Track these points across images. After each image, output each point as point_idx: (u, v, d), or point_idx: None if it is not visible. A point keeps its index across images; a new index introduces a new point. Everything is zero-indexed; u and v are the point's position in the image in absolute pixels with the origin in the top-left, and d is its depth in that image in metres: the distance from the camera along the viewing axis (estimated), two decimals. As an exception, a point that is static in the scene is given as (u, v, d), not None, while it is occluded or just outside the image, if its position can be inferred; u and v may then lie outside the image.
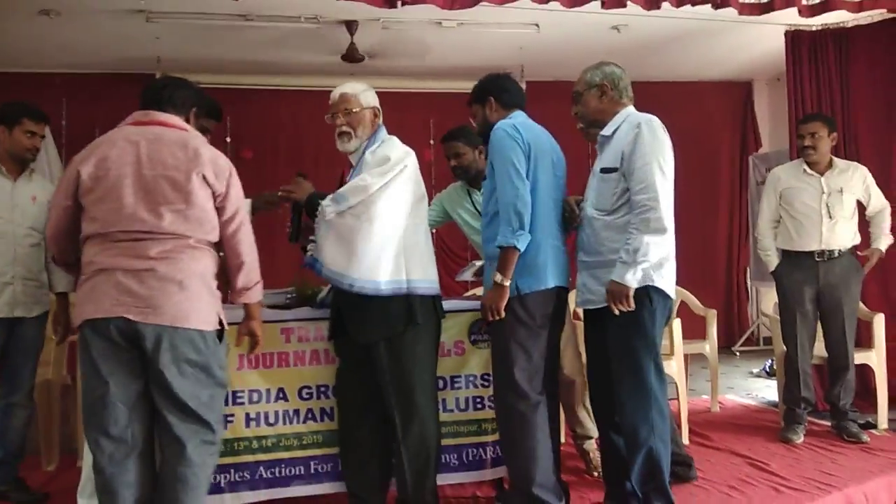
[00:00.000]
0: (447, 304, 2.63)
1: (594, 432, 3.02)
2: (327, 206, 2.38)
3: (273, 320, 2.62)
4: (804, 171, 3.53)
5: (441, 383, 2.67)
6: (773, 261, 3.61)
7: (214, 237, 2.15)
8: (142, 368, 2.07)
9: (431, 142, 6.01)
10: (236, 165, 4.97)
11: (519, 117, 2.55)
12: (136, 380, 2.07)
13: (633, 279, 2.29)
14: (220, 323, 2.15)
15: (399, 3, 3.32)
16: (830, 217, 3.43)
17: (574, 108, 2.57)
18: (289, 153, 5.89)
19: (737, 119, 6.79)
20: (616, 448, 2.51)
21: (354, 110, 2.48)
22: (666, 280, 2.39)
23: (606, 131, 2.47)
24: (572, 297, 2.64)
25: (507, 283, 2.37)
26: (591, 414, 3.01)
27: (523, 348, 2.43)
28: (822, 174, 3.51)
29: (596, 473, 2.97)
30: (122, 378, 2.05)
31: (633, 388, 2.37)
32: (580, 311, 2.63)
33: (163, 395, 2.06)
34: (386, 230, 2.37)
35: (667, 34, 5.19)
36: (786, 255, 3.57)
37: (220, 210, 2.15)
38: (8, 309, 2.83)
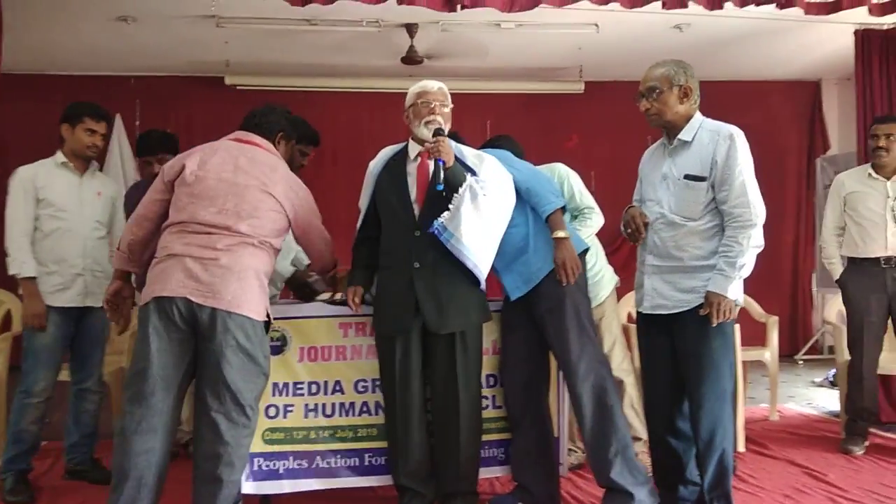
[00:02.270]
0: (495, 304, 2.71)
1: (642, 433, 3.02)
2: (479, 188, 2.50)
3: (331, 315, 2.72)
4: (869, 175, 3.44)
5: (491, 380, 2.74)
6: (837, 269, 3.53)
7: (277, 243, 2.45)
8: (191, 350, 2.30)
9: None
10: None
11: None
12: (181, 360, 2.30)
13: (734, 291, 2.34)
14: (268, 316, 2.38)
15: (459, 7, 3.37)
16: None
17: (644, 103, 2.49)
18: (347, 154, 6.02)
19: (804, 120, 6.58)
20: (673, 453, 2.51)
21: (447, 106, 2.64)
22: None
23: (685, 136, 2.45)
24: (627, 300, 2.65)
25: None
26: (640, 416, 3.03)
27: (590, 317, 2.64)
28: (888, 178, 3.41)
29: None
30: (167, 356, 2.27)
31: (712, 392, 2.38)
32: (632, 314, 2.65)
33: (209, 374, 2.28)
34: (502, 233, 2.56)
35: (731, 33, 5.08)
36: (851, 262, 3.47)
37: (291, 225, 2.51)
38: (80, 299, 3.01)
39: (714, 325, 2.35)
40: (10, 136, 5.39)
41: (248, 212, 2.35)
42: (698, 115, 2.48)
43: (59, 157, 3.04)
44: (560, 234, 2.54)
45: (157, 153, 3.25)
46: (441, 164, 2.46)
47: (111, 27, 4.72)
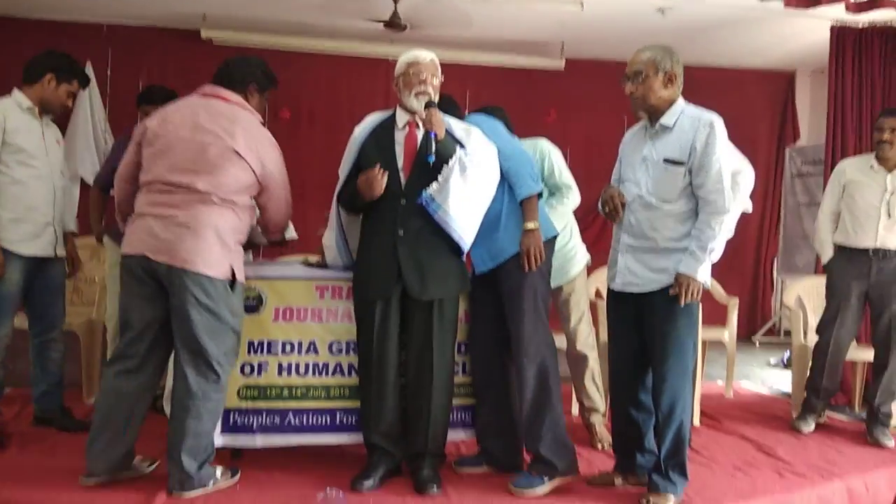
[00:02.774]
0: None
1: (601, 406, 3.15)
2: (468, 161, 2.53)
3: (308, 277, 2.75)
4: (871, 166, 3.49)
5: (462, 347, 2.82)
6: (827, 253, 3.60)
7: (242, 200, 2.45)
8: (161, 302, 2.40)
9: (466, 112, 6.05)
10: (274, 125, 5.14)
11: (473, 116, 2.85)
12: (153, 310, 2.40)
13: (703, 274, 2.43)
14: (233, 274, 2.41)
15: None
16: (889, 216, 3.41)
17: (629, 86, 2.53)
18: (325, 116, 5.97)
19: (777, 109, 6.71)
20: (633, 423, 2.62)
21: (437, 78, 2.65)
22: None
23: (667, 121, 2.51)
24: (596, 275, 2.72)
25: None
26: (600, 389, 3.15)
27: (546, 302, 2.70)
28: (889, 171, 3.45)
29: (600, 446, 3.10)
30: (139, 308, 2.41)
31: (675, 368, 2.48)
32: (600, 290, 2.73)
33: (177, 328, 2.38)
34: (487, 205, 2.61)
35: (712, 19, 5.14)
36: (840, 249, 3.55)
37: (258, 181, 2.46)
38: (49, 248, 2.96)
39: (682, 304, 2.44)
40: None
41: (207, 168, 2.36)
42: (681, 101, 2.54)
43: (24, 100, 2.92)
44: (529, 224, 2.59)
45: (158, 105, 3.16)
46: (433, 136, 2.48)
47: (86, -29, 4.58)
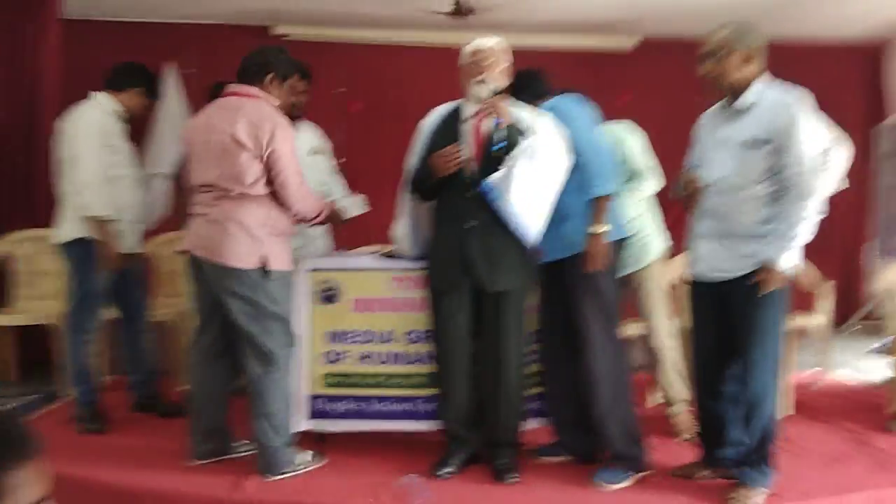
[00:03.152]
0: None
1: (684, 395, 3.07)
2: (535, 149, 2.49)
3: (385, 268, 2.80)
4: None
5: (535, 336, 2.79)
6: None
7: (261, 190, 2.48)
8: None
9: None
10: (345, 118, 5.20)
11: (559, 97, 2.71)
12: (212, 300, 2.56)
13: (789, 260, 2.33)
14: (266, 263, 2.47)
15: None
16: None
17: (705, 66, 2.43)
18: (395, 106, 5.99)
19: (865, 85, 6.32)
20: (718, 415, 2.55)
21: (503, 63, 2.62)
22: None
23: (746, 101, 2.40)
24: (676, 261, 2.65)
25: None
26: (682, 378, 3.06)
27: (615, 300, 2.62)
28: None
29: (684, 437, 3.02)
30: (202, 298, 2.61)
31: (761, 359, 2.39)
32: (684, 276, 2.65)
33: (226, 317, 2.54)
34: (555, 195, 2.55)
35: (795, -10, 4.89)
36: None
37: (265, 167, 2.47)
38: (136, 244, 3.13)
39: (766, 293, 2.34)
40: (74, 79, 5.49)
41: (221, 165, 2.46)
42: (762, 79, 2.42)
43: (113, 104, 3.08)
44: (594, 228, 2.51)
45: None
46: (498, 122, 2.46)
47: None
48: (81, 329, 3.02)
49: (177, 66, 5.65)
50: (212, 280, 2.51)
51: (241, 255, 2.46)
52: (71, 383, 3.09)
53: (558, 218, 2.59)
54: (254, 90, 2.53)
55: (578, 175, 2.58)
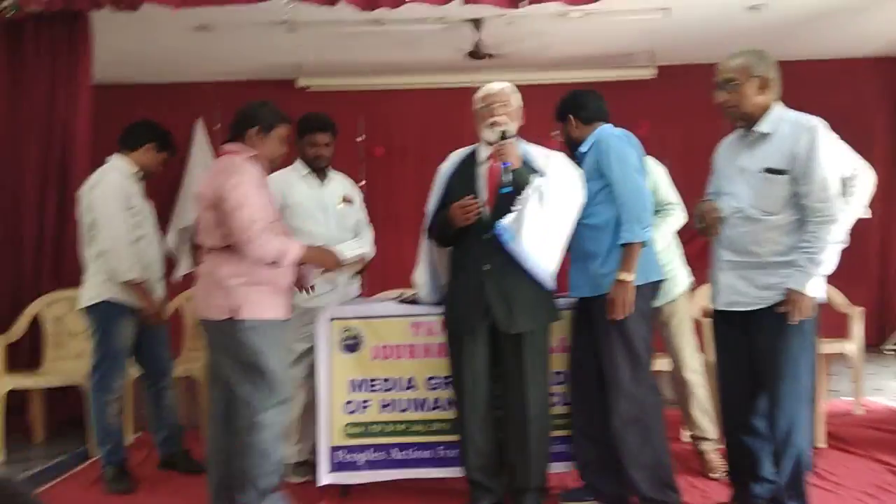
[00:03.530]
0: (564, 302, 2.73)
1: (711, 433, 3.00)
2: (546, 189, 2.50)
3: (403, 314, 2.81)
4: None
5: (562, 377, 2.77)
6: None
7: (226, 241, 2.46)
8: None
9: (555, 132, 6.00)
10: (369, 163, 5.28)
11: (608, 130, 2.65)
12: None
13: (813, 288, 2.29)
14: (235, 313, 2.45)
15: (523, 3, 3.36)
16: None
17: (721, 94, 2.43)
18: (417, 149, 6.09)
19: (892, 97, 6.21)
20: (747, 450, 2.48)
21: (512, 105, 2.65)
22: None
23: (765, 128, 2.39)
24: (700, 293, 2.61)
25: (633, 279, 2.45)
26: (709, 415, 3.00)
27: (646, 342, 2.52)
28: None
29: (714, 475, 2.94)
30: (208, 352, 2.65)
31: (790, 391, 2.34)
32: (706, 309, 2.61)
33: None
34: (568, 233, 2.57)
35: (810, 11, 4.84)
36: None
37: (219, 216, 2.46)
38: (162, 301, 3.19)
39: (793, 323, 2.29)
40: (104, 144, 5.71)
41: (201, 223, 2.54)
42: (778, 106, 2.41)
43: (130, 166, 3.17)
44: (622, 275, 2.46)
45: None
46: (506, 166, 2.48)
47: (191, 36, 4.93)
48: (105, 389, 3.07)
49: (203, 123, 5.88)
50: (204, 334, 2.61)
51: (212, 308, 2.48)
52: (97, 443, 3.14)
53: (586, 255, 2.57)
54: (234, 146, 2.56)
55: (611, 214, 2.53)
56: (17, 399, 3.85)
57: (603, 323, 2.50)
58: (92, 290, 3.08)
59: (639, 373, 2.51)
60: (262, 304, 2.47)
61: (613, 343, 2.50)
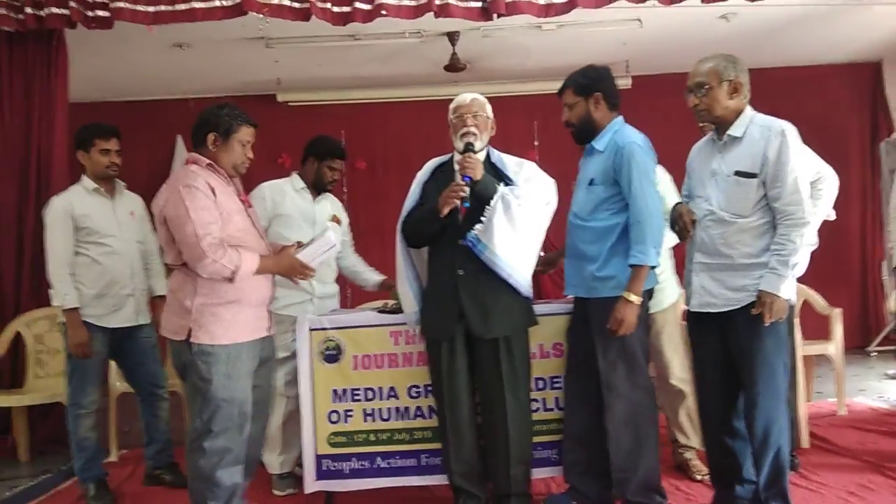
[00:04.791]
0: (544, 308, 2.76)
1: (695, 443, 3.02)
2: (512, 195, 2.51)
3: (382, 324, 2.82)
4: None
5: (541, 383, 2.77)
6: None
7: (181, 259, 2.36)
8: None
9: (536, 143, 6.06)
10: (351, 176, 5.27)
11: (625, 125, 2.59)
12: None
13: (786, 290, 2.31)
14: (189, 335, 2.33)
15: (495, 16, 3.41)
16: None
17: (693, 99, 2.43)
18: (398, 161, 6.13)
19: (865, 102, 6.32)
20: (728, 452, 2.50)
21: (482, 115, 2.66)
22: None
23: (735, 132, 2.41)
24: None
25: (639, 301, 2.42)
26: (694, 424, 3.01)
27: (643, 343, 2.53)
28: None
29: (699, 477, 2.95)
30: None
31: (766, 390, 2.36)
32: (680, 310, 2.62)
33: None
34: (541, 238, 2.59)
35: (781, 19, 4.94)
36: None
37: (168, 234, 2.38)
38: (133, 317, 3.14)
39: (766, 324, 2.32)
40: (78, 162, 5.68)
41: (160, 242, 2.49)
42: (749, 110, 2.44)
43: (89, 183, 3.10)
44: (630, 297, 2.40)
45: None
46: (467, 180, 2.51)
47: (168, 53, 4.95)
48: (76, 403, 3.04)
49: (183, 140, 5.87)
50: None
51: (170, 326, 2.40)
52: (73, 458, 3.11)
53: (583, 256, 2.54)
54: (191, 156, 2.43)
55: (616, 221, 2.48)
56: (2, 419, 3.84)
57: (598, 325, 2.49)
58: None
59: (634, 375, 2.50)
60: (218, 327, 2.34)
61: (610, 344, 2.49)
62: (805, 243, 2.33)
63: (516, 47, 5.31)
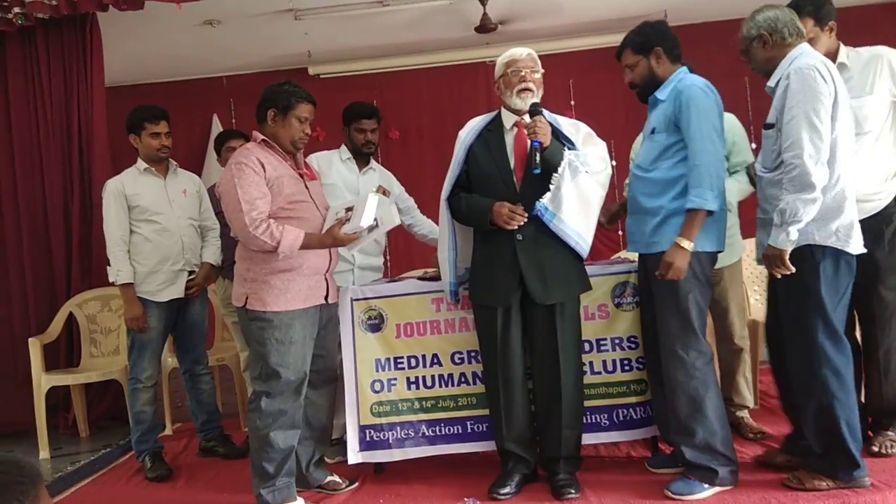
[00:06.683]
0: (589, 269, 2.69)
1: (750, 402, 2.97)
2: (580, 163, 2.48)
3: (423, 291, 2.81)
4: None
5: (587, 346, 2.73)
6: None
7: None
8: None
9: (572, 102, 5.92)
10: (384, 146, 5.24)
11: (689, 74, 2.47)
12: None
13: (786, 241, 2.22)
14: (245, 302, 2.50)
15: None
16: None
17: (744, 59, 2.46)
18: (431, 128, 6.07)
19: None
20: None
21: (538, 72, 2.59)
22: (837, 236, 2.26)
23: (771, 82, 2.35)
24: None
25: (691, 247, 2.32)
26: (749, 384, 2.96)
27: (699, 306, 2.42)
28: None
29: (751, 435, 2.90)
30: None
31: (801, 347, 2.31)
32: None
33: None
34: (601, 201, 2.58)
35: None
36: None
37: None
38: (185, 291, 3.22)
39: (779, 277, 2.27)
40: (120, 145, 5.79)
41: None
42: (791, 54, 2.33)
43: (141, 164, 3.22)
44: (682, 241, 2.30)
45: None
46: (537, 145, 2.42)
47: (199, 31, 4.96)
48: (135, 378, 3.16)
49: (219, 118, 5.92)
50: None
51: (235, 295, 2.58)
52: (130, 432, 3.23)
53: (644, 211, 2.45)
54: (253, 133, 2.59)
55: (678, 173, 2.37)
56: (62, 397, 3.99)
57: (656, 281, 2.41)
58: None
59: (688, 337, 2.39)
60: (269, 295, 2.46)
61: (665, 302, 2.41)
62: (800, 188, 2.18)
63: (548, 4, 5.16)
